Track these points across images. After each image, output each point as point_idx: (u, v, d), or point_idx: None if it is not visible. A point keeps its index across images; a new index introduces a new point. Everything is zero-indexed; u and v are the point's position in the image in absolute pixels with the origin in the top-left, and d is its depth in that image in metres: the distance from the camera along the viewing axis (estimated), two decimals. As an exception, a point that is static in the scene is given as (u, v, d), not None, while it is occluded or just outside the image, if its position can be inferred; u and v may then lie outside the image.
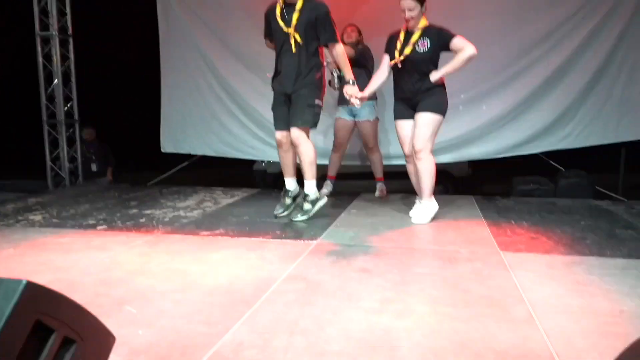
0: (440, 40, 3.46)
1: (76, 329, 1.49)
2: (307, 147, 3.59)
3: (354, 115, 4.57)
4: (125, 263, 2.66)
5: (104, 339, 1.61)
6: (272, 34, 3.65)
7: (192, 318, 1.94)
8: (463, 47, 3.40)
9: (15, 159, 10.93)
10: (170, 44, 5.93)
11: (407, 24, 3.51)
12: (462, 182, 6.34)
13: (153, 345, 1.73)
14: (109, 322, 1.62)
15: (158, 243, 3.06)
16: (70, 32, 5.79)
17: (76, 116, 5.92)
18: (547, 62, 5.09)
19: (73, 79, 5.87)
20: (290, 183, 3.78)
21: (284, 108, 3.63)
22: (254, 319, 1.92)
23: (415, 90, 3.57)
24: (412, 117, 3.62)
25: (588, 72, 5.03)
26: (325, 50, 3.64)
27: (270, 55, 3.84)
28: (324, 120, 3.73)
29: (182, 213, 3.90)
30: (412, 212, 3.72)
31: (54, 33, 5.65)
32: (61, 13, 5.73)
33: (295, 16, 3.44)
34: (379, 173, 4.76)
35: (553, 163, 5.55)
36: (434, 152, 3.73)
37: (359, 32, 4.56)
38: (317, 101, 3.57)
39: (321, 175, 4.76)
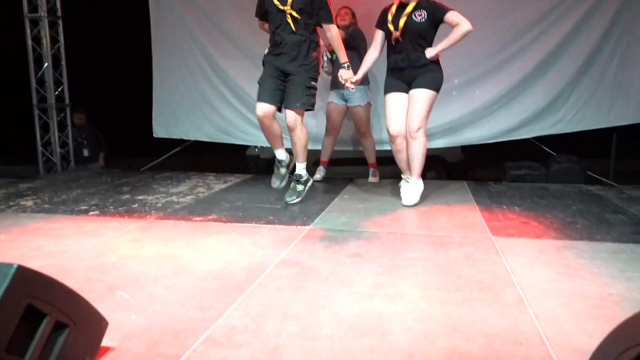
0: (436, 13, 3.44)
1: (68, 313, 1.50)
2: (303, 132, 3.60)
3: (345, 100, 4.55)
4: (118, 248, 2.66)
5: (97, 324, 1.62)
6: (266, 14, 3.60)
7: (184, 303, 1.94)
8: (459, 23, 3.39)
9: (5, 144, 10.83)
10: (161, 27, 5.86)
11: None
12: (455, 168, 6.35)
13: (146, 329, 1.73)
14: (102, 307, 1.63)
15: (151, 228, 3.05)
16: (59, 13, 5.70)
17: (67, 100, 5.85)
18: (540, 46, 5.08)
19: (63, 62, 5.78)
20: (281, 153, 3.76)
21: (273, 81, 3.55)
22: (246, 304, 1.93)
23: (412, 62, 3.52)
24: (404, 91, 3.57)
25: (581, 56, 5.02)
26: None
27: (264, 38, 3.81)
28: (316, 104, 3.71)
29: (174, 199, 3.89)
30: (402, 191, 3.75)
31: (42, 15, 5.55)
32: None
33: None
34: (371, 158, 4.76)
35: (545, 148, 5.57)
36: (427, 137, 3.72)
37: (353, 15, 4.53)
38: (313, 83, 3.58)
39: (314, 161, 4.78)
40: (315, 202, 3.74)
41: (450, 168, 6.34)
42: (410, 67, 3.53)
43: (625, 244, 2.71)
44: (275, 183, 3.79)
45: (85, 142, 6.25)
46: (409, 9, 3.44)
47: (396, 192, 3.89)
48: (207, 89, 5.83)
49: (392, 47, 3.60)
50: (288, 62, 3.52)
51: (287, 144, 3.81)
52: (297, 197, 3.68)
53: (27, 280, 1.38)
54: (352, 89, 3.69)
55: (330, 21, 3.53)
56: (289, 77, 3.54)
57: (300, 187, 3.70)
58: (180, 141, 6.17)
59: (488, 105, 5.28)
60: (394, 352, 1.57)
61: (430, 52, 3.48)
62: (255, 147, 6.45)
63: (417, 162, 3.62)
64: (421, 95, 3.50)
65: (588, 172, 5.30)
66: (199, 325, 1.76)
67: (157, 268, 2.35)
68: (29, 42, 5.59)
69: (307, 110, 3.61)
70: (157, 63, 5.97)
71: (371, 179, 4.69)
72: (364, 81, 4.34)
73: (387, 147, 5.11)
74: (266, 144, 5.74)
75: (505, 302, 1.95)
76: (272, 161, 6.20)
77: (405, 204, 3.65)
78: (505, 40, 5.12)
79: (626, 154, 7.64)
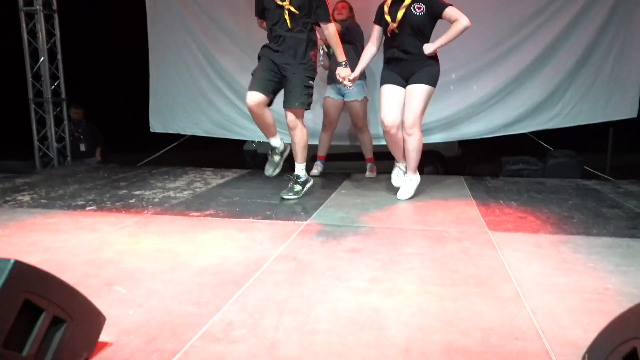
0: (435, 7, 3.42)
1: (66, 308, 1.50)
2: (303, 131, 3.62)
3: (342, 94, 4.54)
4: (115, 244, 2.65)
5: (94, 319, 1.62)
6: (264, 11, 3.59)
7: (182, 298, 1.95)
8: (457, 18, 3.38)
9: (1, 139, 10.79)
10: (158, 21, 5.82)
11: None
12: (452, 162, 6.37)
13: (143, 325, 1.73)
14: (99, 303, 1.63)
15: (148, 224, 3.05)
16: (55, 7, 5.66)
17: (63, 95, 5.83)
18: (537, 40, 5.08)
19: (59, 56, 5.74)
20: (275, 141, 3.73)
21: (267, 73, 3.52)
22: (244, 299, 1.93)
23: (409, 55, 3.50)
24: (401, 84, 3.55)
25: (578, 50, 5.02)
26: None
27: (261, 33, 3.80)
28: (313, 97, 3.71)
29: (172, 194, 3.89)
30: (394, 180, 3.82)
31: (38, 8, 5.51)
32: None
33: None
34: (368, 153, 4.75)
35: (542, 143, 5.58)
36: (424, 131, 3.73)
37: (350, 9, 4.51)
38: (311, 82, 3.58)
39: (311, 156, 4.77)
40: (313, 197, 3.74)
41: (447, 163, 6.36)
42: (407, 60, 3.52)
43: (621, 239, 2.72)
44: (269, 171, 3.75)
45: (81, 136, 6.24)
46: (407, 1, 3.43)
47: (393, 187, 3.89)
48: (204, 84, 5.81)
49: (389, 40, 3.58)
50: (286, 60, 3.51)
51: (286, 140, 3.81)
52: (294, 195, 3.67)
53: (24, 275, 1.38)
54: (350, 86, 3.68)
55: (327, 20, 3.52)
56: (286, 75, 3.53)
57: (298, 187, 3.70)
58: (177, 136, 6.16)
59: (485, 100, 5.27)
60: (391, 347, 1.58)
61: (428, 49, 3.47)
62: (253, 142, 6.44)
63: (413, 157, 3.64)
64: (419, 91, 3.49)
65: (585, 167, 5.31)
66: (196, 320, 1.76)
67: (154, 263, 2.35)
68: (25, 36, 5.55)
69: (307, 109, 3.61)
70: (153, 57, 5.94)
71: (368, 174, 4.69)
72: (361, 76, 4.32)
73: (383, 142, 5.12)
74: (264, 139, 5.75)
75: (501, 296, 1.96)
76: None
77: (400, 197, 3.66)
78: (503, 34, 5.11)
79: (623, 148, 7.67)
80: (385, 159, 4.79)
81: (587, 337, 1.50)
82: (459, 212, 3.32)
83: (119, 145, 8.79)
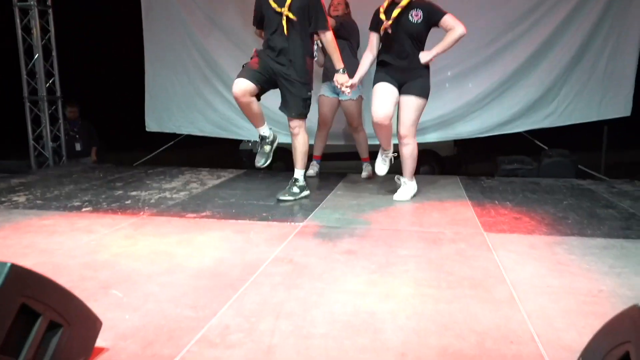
0: (431, 15, 3.43)
1: (62, 313, 1.50)
2: (305, 138, 3.66)
3: (337, 93, 4.49)
4: (111, 246, 2.65)
5: (91, 324, 1.62)
6: (262, 20, 3.59)
7: (178, 302, 1.95)
8: (454, 27, 3.39)
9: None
10: (153, 19, 5.81)
11: None
12: (448, 162, 6.38)
13: (140, 329, 1.74)
14: (95, 306, 1.63)
15: (144, 225, 3.05)
16: (49, 2, 5.61)
17: (58, 93, 5.80)
18: (532, 38, 5.09)
19: (54, 53, 5.70)
20: (264, 130, 3.69)
21: (259, 68, 3.48)
22: (240, 302, 1.94)
23: (405, 63, 3.51)
24: (394, 84, 3.55)
25: (573, 47, 5.04)
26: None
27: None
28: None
29: (168, 195, 3.89)
30: (379, 168, 3.80)
31: (32, 3, 5.46)
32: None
33: None
34: (364, 153, 4.74)
35: (537, 142, 5.60)
36: (420, 131, 3.73)
37: (347, 5, 4.50)
38: (309, 94, 3.60)
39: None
40: (309, 198, 3.75)
41: (443, 162, 6.37)
42: (403, 67, 3.52)
43: (615, 239, 2.74)
44: (260, 161, 3.71)
45: (77, 135, 6.21)
46: (403, 2, 3.43)
47: (389, 188, 3.91)
48: (200, 82, 5.81)
49: (385, 45, 3.59)
50: (283, 70, 3.51)
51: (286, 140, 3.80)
52: (290, 197, 3.67)
53: (21, 279, 1.37)
54: (348, 93, 3.66)
55: (325, 27, 3.53)
56: (285, 84, 3.53)
57: (295, 189, 3.70)
58: (174, 135, 6.15)
59: (481, 98, 5.29)
60: (387, 351, 1.59)
61: (425, 57, 3.48)
62: (249, 141, 6.44)
63: (409, 164, 3.67)
64: (412, 104, 3.53)
65: (579, 166, 5.34)
66: (193, 324, 1.76)
67: (150, 265, 2.36)
68: (19, 32, 5.49)
69: (303, 119, 3.65)
70: (149, 55, 5.92)
71: (364, 174, 4.69)
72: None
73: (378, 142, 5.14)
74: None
75: (496, 299, 1.97)
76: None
77: (396, 199, 3.69)
78: (497, 31, 5.13)
79: (617, 146, 7.70)
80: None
81: (581, 340, 1.51)
82: (455, 213, 3.34)
83: (115, 143, 8.78)
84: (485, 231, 2.89)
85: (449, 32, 3.42)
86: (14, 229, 2.97)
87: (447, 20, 3.40)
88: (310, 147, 4.74)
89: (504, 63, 5.19)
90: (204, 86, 5.79)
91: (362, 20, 4.21)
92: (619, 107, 5.13)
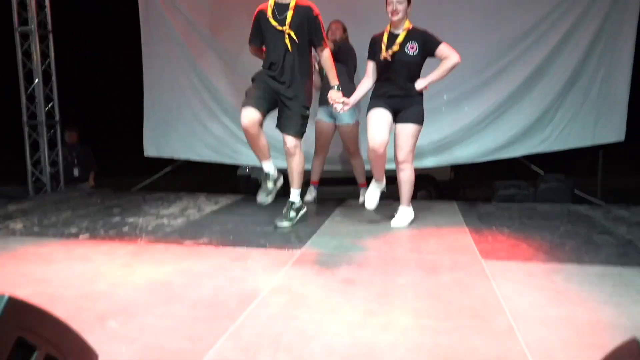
0: (427, 45, 3.50)
1: (58, 346, 1.48)
2: (301, 157, 3.64)
3: (334, 118, 4.51)
4: (108, 275, 2.64)
5: (87, 357, 1.60)
6: (261, 37, 3.62)
7: (175, 334, 1.93)
8: (448, 56, 3.47)
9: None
10: (152, 43, 5.88)
11: (392, 19, 3.52)
12: (445, 187, 6.40)
13: (137, 363, 1.72)
14: (92, 338, 1.61)
15: (141, 253, 3.04)
16: (50, 27, 5.68)
17: (57, 117, 5.83)
18: (526, 61, 5.16)
19: (54, 78, 5.75)
20: (268, 166, 3.69)
21: (261, 92, 3.51)
22: (237, 334, 1.93)
23: (401, 92, 3.56)
24: (389, 110, 3.58)
25: (567, 71, 5.10)
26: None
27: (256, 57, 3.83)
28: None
29: (165, 221, 3.88)
30: (369, 201, 3.73)
31: (33, 28, 5.53)
32: (40, 7, 5.61)
33: (289, 14, 3.44)
34: (361, 178, 4.74)
35: (533, 167, 5.64)
36: (417, 156, 3.75)
37: (344, 30, 4.54)
38: (307, 112, 3.62)
39: (304, 181, 4.76)
40: (307, 224, 3.75)
41: (440, 187, 6.39)
42: (398, 95, 3.58)
43: (613, 267, 2.74)
44: (262, 197, 3.71)
45: (75, 160, 6.22)
46: (400, 38, 3.50)
47: (386, 214, 3.91)
48: (198, 107, 5.85)
49: (382, 74, 3.64)
50: (283, 88, 3.53)
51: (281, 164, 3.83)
52: (288, 222, 3.67)
53: (17, 311, 1.36)
54: (340, 110, 3.66)
55: (323, 44, 3.57)
56: (284, 102, 3.55)
57: (292, 214, 3.70)
58: (172, 159, 6.17)
59: (476, 123, 5.33)
60: (386, 385, 1.57)
61: (420, 84, 3.54)
62: (246, 167, 6.45)
63: (406, 190, 3.69)
64: (409, 131, 3.57)
65: (575, 191, 5.37)
66: (190, 357, 1.75)
67: (147, 295, 2.34)
68: (19, 56, 5.55)
69: (300, 138, 3.63)
70: (147, 80, 5.98)
71: (362, 200, 4.69)
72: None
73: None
74: (257, 164, 5.78)
75: (495, 330, 1.96)
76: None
77: (394, 225, 3.69)
78: (491, 57, 5.20)
79: (613, 170, 7.75)
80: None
81: (580, 374, 1.51)
82: (452, 239, 3.34)
83: (114, 167, 8.79)
84: (483, 258, 2.89)
85: (444, 61, 3.49)
86: (11, 257, 2.95)
87: (443, 49, 3.48)
88: (307, 172, 4.77)
89: (499, 87, 5.25)
90: (201, 111, 5.84)
91: (358, 44, 4.26)
92: (613, 132, 5.18)
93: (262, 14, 3.56)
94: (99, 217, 4.05)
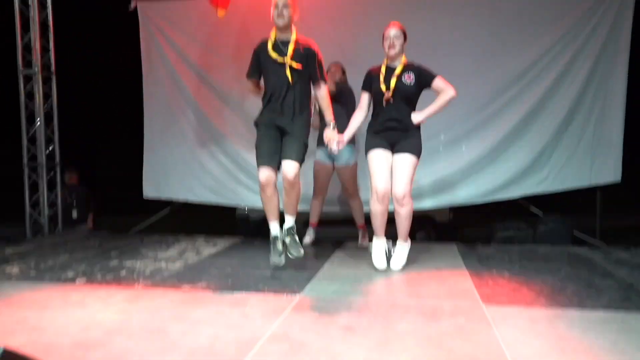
0: (422, 78, 3.57)
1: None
2: (300, 185, 3.55)
3: (332, 159, 4.49)
4: (104, 321, 2.60)
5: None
6: (260, 71, 3.63)
7: (172, 385, 1.89)
8: (444, 89, 3.54)
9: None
10: (153, 84, 5.97)
11: (389, 53, 3.58)
12: (444, 227, 6.38)
13: (131, 417, 1.68)
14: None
15: (138, 298, 3.00)
16: (53, 69, 5.77)
17: (58, 159, 5.85)
18: (521, 103, 5.23)
19: (55, 120, 5.80)
20: (275, 228, 3.60)
21: (273, 143, 3.51)
22: (235, 386, 1.89)
23: (398, 124, 3.58)
24: (387, 149, 3.61)
25: (561, 113, 5.18)
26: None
27: (255, 97, 3.86)
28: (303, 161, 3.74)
29: (163, 265, 3.85)
30: (380, 262, 3.67)
31: (36, 70, 5.61)
32: (44, 49, 5.72)
33: (291, 47, 3.48)
34: (360, 220, 4.71)
35: (532, 209, 5.65)
36: (416, 197, 3.75)
37: (343, 72, 4.59)
38: (307, 140, 3.60)
39: (303, 222, 4.75)
40: (305, 268, 3.71)
41: (439, 228, 6.37)
42: (396, 128, 3.60)
43: (615, 312, 2.71)
44: (276, 259, 3.55)
45: (74, 202, 6.21)
46: (398, 70, 3.57)
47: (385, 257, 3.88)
48: (198, 148, 5.90)
49: (378, 107, 3.68)
50: (288, 121, 3.51)
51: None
52: (301, 249, 3.51)
53: (12, 364, 1.35)
54: (335, 151, 3.64)
55: (322, 80, 3.60)
56: (287, 130, 3.53)
57: (296, 237, 3.57)
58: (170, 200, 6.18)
59: (474, 164, 5.37)
60: None
61: (417, 118, 3.58)
62: (245, 207, 6.44)
63: (406, 226, 3.66)
64: (406, 162, 3.56)
65: (575, 231, 5.35)
66: (186, 411, 1.71)
67: (144, 344, 2.30)
68: (22, 98, 5.62)
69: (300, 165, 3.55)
70: (148, 121, 6.05)
71: (360, 242, 4.67)
72: (351, 140, 4.36)
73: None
74: (255, 204, 5.78)
75: (498, 380, 1.93)
76: (261, 223, 6.15)
77: (394, 268, 3.65)
78: (487, 98, 5.29)
79: (612, 210, 7.75)
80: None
81: None
82: (453, 283, 3.31)
83: (113, 208, 8.78)
84: (484, 303, 2.86)
85: (440, 95, 3.55)
86: (6, 304, 2.91)
87: (438, 83, 3.55)
88: (306, 214, 4.76)
89: (495, 128, 5.31)
90: (201, 152, 5.88)
91: (356, 86, 4.31)
92: (609, 173, 5.22)
93: (262, 48, 3.58)
94: (96, 260, 4.02)
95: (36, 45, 5.61)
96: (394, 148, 3.62)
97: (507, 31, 5.20)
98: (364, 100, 3.76)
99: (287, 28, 3.52)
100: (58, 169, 5.86)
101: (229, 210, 6.64)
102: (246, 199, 5.80)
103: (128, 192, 7.11)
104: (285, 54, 3.48)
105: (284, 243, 3.55)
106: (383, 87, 3.59)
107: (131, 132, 6.84)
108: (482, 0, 5.25)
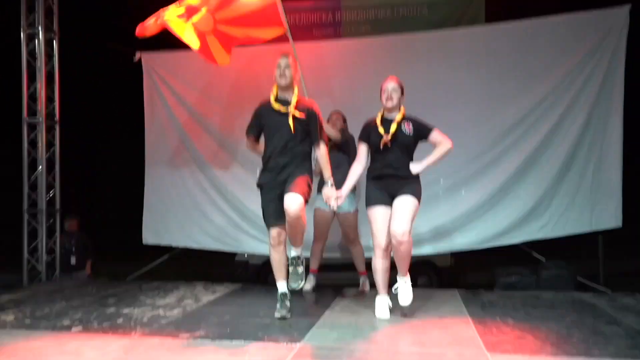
0: (420, 129, 3.62)
1: None
2: (305, 220, 3.53)
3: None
4: (99, 372, 2.54)
5: None
6: (259, 129, 3.73)
7: None
8: (442, 142, 3.58)
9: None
10: (155, 132, 6.03)
11: (386, 106, 3.64)
12: (445, 273, 6.33)
13: None
14: None
15: (135, 348, 2.94)
16: (57, 117, 5.84)
17: (58, 206, 5.85)
18: (519, 150, 5.27)
19: (57, 167, 5.84)
20: (284, 286, 3.64)
21: (277, 203, 3.54)
22: None
23: (396, 171, 3.60)
24: (388, 204, 3.60)
25: (559, 159, 5.19)
26: None
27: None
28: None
29: (161, 312, 3.79)
30: (383, 313, 3.65)
31: (40, 120, 5.68)
32: (49, 99, 5.80)
33: (294, 99, 3.60)
34: (361, 266, 4.64)
35: (534, 254, 5.60)
36: (416, 243, 3.72)
37: (344, 120, 4.65)
38: (312, 183, 3.64)
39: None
40: (305, 315, 3.65)
41: (440, 273, 6.31)
42: (394, 176, 3.62)
43: (622, 360, 2.65)
44: (282, 313, 3.55)
45: (73, 248, 6.17)
46: (398, 117, 3.61)
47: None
48: (198, 194, 5.91)
49: (376, 155, 3.70)
50: (289, 171, 3.56)
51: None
52: (301, 280, 3.63)
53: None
54: (334, 208, 3.69)
55: (320, 139, 3.67)
56: (289, 175, 3.55)
57: (300, 269, 3.62)
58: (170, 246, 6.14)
59: (475, 209, 5.35)
60: None
61: (416, 168, 3.61)
62: (244, 253, 6.40)
63: (406, 262, 3.61)
64: (408, 202, 3.54)
65: (578, 277, 5.29)
66: None
67: (139, 396, 2.24)
68: (25, 145, 5.66)
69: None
70: (149, 168, 6.08)
71: (362, 288, 4.60)
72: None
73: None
74: (256, 251, 5.74)
75: None
76: (260, 268, 6.13)
77: (403, 304, 3.59)
78: (485, 145, 5.31)
79: (614, 255, 7.70)
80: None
81: None
82: (456, 331, 3.24)
83: (111, 253, 8.72)
84: (489, 352, 2.79)
85: (437, 147, 3.60)
86: (0, 353, 2.85)
87: (435, 135, 3.61)
88: (306, 260, 4.71)
89: (493, 176, 5.32)
90: (201, 198, 5.89)
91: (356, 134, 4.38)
92: (610, 218, 5.19)
93: (264, 106, 3.71)
94: (93, 308, 3.96)
95: (42, 94, 5.70)
96: (394, 198, 3.61)
97: (502, 81, 5.29)
98: (362, 151, 3.79)
99: (289, 87, 3.66)
100: (58, 215, 5.84)
101: (228, 255, 6.59)
102: (247, 244, 5.76)
103: (128, 236, 7.08)
104: (288, 104, 3.60)
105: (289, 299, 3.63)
106: (382, 129, 3.61)
107: (132, 178, 6.88)
108: (477, 51, 5.37)
